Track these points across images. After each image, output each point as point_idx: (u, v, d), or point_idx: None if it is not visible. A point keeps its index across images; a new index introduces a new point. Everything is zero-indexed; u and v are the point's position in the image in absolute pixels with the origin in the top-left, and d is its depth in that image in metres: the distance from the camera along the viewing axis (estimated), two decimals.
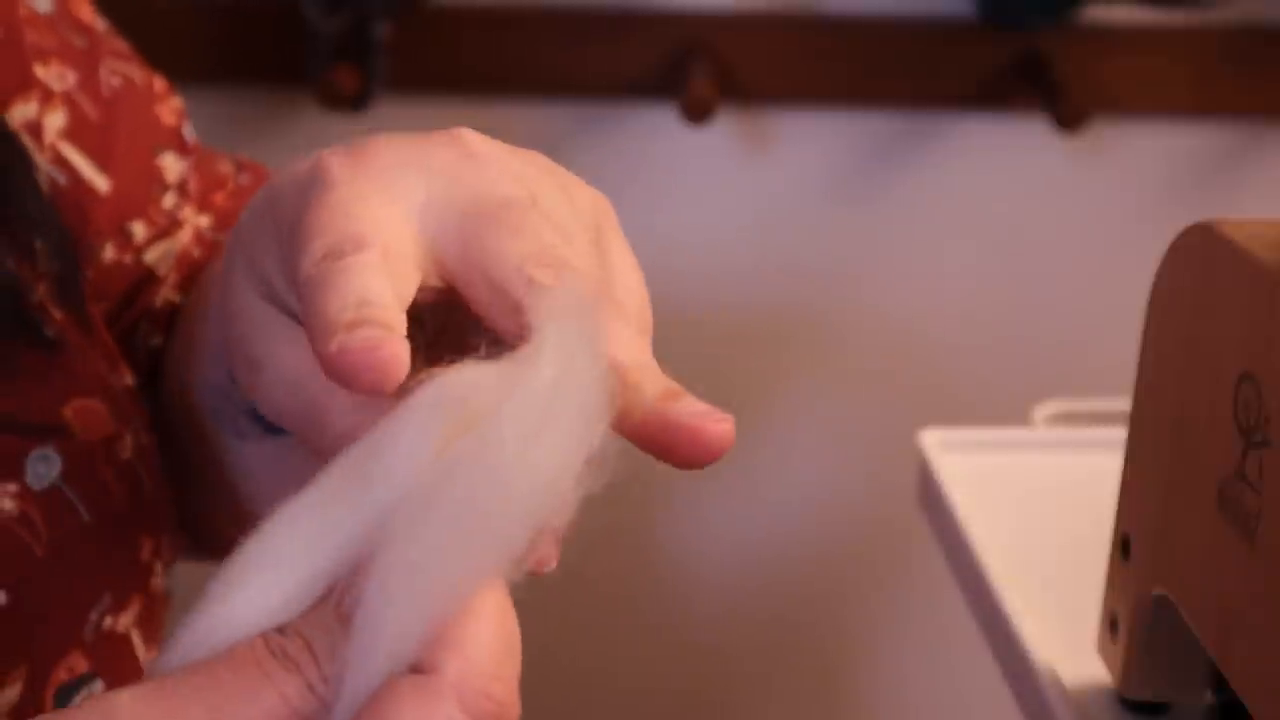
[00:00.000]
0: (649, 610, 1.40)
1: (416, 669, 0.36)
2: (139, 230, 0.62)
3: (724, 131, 1.26)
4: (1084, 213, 1.30)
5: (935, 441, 0.75)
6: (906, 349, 1.33)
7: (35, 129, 0.59)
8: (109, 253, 0.62)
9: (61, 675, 0.52)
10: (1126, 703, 0.55)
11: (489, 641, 0.37)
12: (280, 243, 0.44)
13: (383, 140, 0.44)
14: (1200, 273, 0.49)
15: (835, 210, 1.30)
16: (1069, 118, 1.17)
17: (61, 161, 0.60)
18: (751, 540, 1.39)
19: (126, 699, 0.35)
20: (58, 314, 0.55)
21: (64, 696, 0.52)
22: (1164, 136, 1.28)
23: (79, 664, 0.53)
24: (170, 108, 0.66)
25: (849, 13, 1.23)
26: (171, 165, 0.64)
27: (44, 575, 0.52)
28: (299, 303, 0.41)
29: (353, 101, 1.17)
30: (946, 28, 1.23)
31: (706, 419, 0.42)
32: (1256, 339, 0.45)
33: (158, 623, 0.58)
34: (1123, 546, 0.54)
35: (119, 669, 0.54)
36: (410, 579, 0.37)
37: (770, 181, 1.29)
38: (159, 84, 0.66)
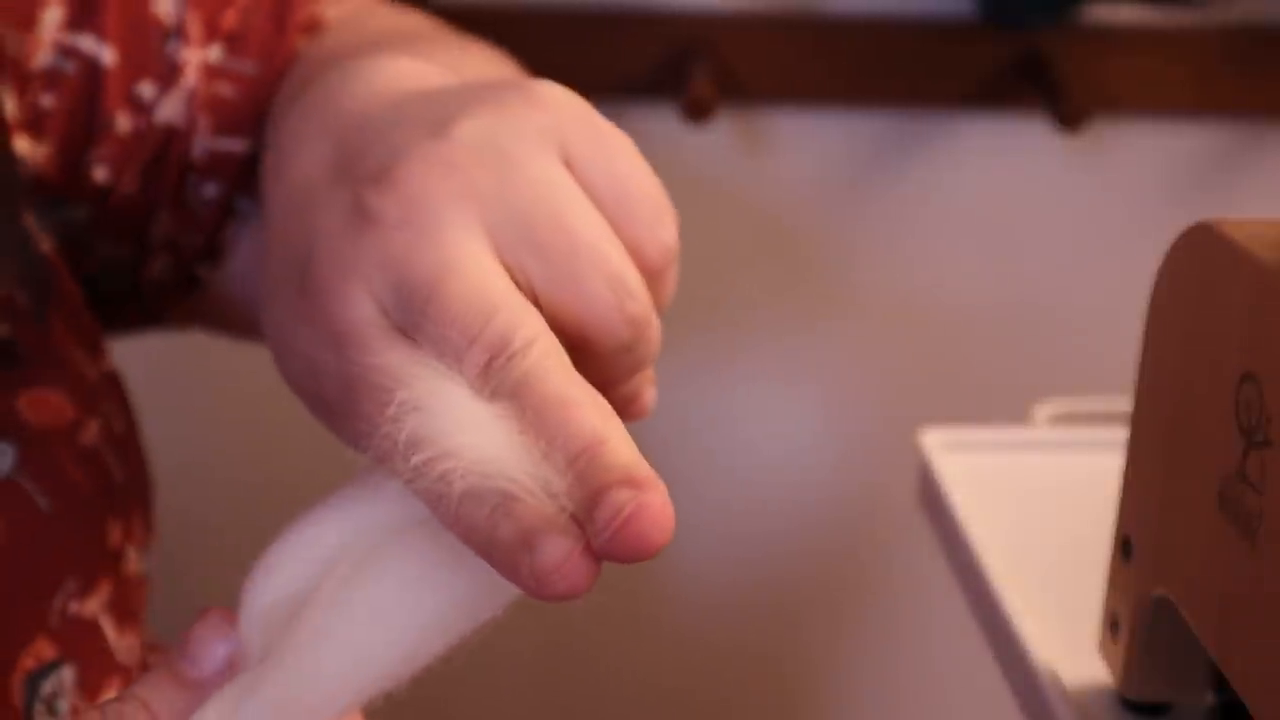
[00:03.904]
0: (644, 608, 1.40)
1: None
2: (147, 90, 0.61)
3: (724, 131, 1.26)
4: (1084, 213, 1.30)
5: (935, 441, 0.75)
6: (906, 348, 1.33)
7: (28, 23, 0.59)
8: (123, 123, 0.61)
9: (29, 663, 0.52)
10: (1127, 703, 0.55)
11: None
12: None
13: (419, 172, 0.41)
14: (1200, 273, 0.49)
15: (835, 210, 1.30)
16: (1069, 118, 1.17)
17: (66, 51, 0.60)
18: (749, 540, 1.39)
19: None
20: (22, 301, 0.55)
21: (33, 683, 0.52)
22: (1164, 136, 1.28)
23: (46, 651, 0.53)
24: None
25: (849, 13, 1.23)
26: (167, 8, 0.62)
27: (3, 565, 0.52)
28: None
29: None
30: (946, 28, 1.23)
31: (623, 521, 0.37)
32: (1257, 339, 0.45)
33: (132, 606, 0.58)
34: (1123, 547, 0.54)
35: (87, 654, 0.54)
36: (325, 656, 0.38)
37: (770, 181, 1.29)
38: None
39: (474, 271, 0.39)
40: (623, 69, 1.24)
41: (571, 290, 0.40)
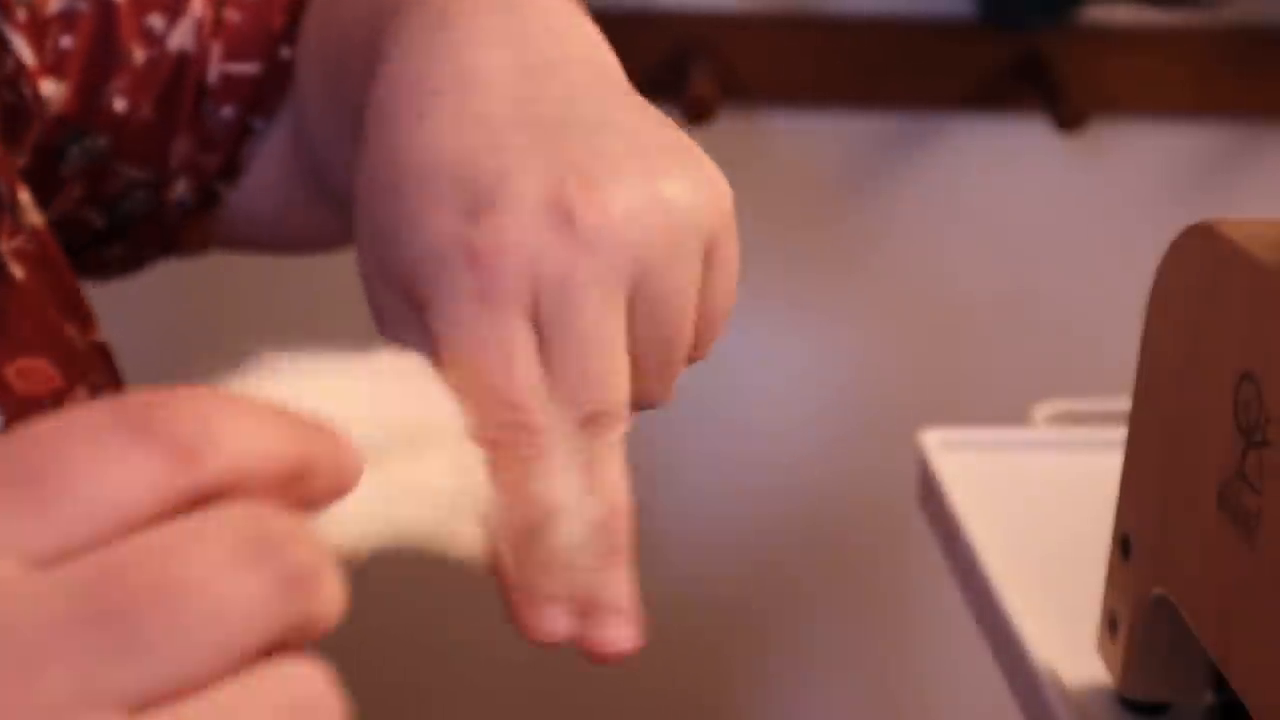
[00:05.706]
0: (644, 607, 1.40)
1: None
2: (157, 22, 0.64)
3: (725, 131, 1.26)
4: (1084, 213, 1.30)
5: (935, 441, 0.75)
6: (905, 348, 1.33)
7: None
8: (138, 55, 0.63)
9: None
10: (1126, 703, 0.55)
11: None
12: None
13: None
14: (1200, 273, 0.49)
15: (835, 210, 1.30)
16: (1069, 118, 1.17)
17: None
18: (749, 539, 1.39)
19: None
20: (12, 271, 0.56)
21: None
22: (1163, 136, 1.28)
23: None
24: None
25: (849, 13, 1.23)
26: None
27: None
28: None
29: None
30: (946, 28, 1.23)
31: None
32: (1256, 339, 0.45)
33: None
34: (1123, 546, 0.54)
35: None
36: None
37: (771, 181, 1.29)
38: None
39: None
40: (623, 69, 1.24)
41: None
